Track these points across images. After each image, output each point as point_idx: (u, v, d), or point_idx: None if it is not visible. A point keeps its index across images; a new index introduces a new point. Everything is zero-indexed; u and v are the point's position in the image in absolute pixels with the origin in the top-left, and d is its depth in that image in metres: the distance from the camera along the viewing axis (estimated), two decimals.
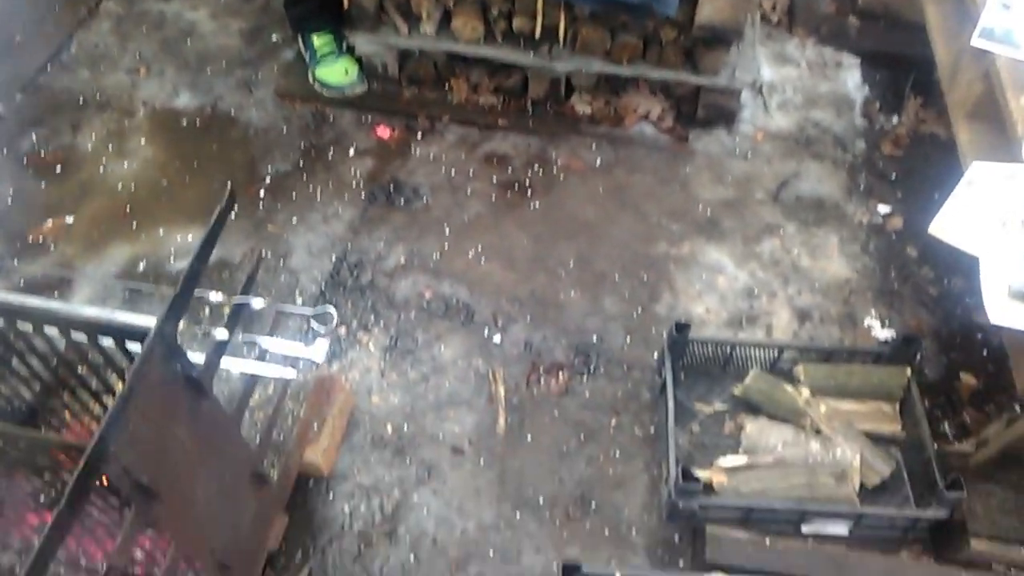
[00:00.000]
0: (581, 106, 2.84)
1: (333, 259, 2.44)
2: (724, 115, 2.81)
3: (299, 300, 2.34)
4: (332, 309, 1.49)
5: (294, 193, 2.61)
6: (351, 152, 2.74)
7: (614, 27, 2.63)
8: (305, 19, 2.82)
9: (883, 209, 2.61)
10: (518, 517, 1.97)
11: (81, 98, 2.87)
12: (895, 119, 2.86)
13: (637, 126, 2.80)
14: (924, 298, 2.39)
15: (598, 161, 2.73)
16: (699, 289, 2.40)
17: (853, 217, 2.60)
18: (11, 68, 2.94)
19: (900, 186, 2.68)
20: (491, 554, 1.91)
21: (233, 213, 2.44)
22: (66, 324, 1.41)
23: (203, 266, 1.28)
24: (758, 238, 2.54)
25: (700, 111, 2.81)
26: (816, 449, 1.95)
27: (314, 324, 2.09)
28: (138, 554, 1.72)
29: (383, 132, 2.79)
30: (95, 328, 1.40)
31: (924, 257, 2.48)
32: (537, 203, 2.61)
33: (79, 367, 1.62)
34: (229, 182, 1.32)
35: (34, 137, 2.75)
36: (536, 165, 2.71)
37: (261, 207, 2.57)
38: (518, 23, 2.67)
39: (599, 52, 2.69)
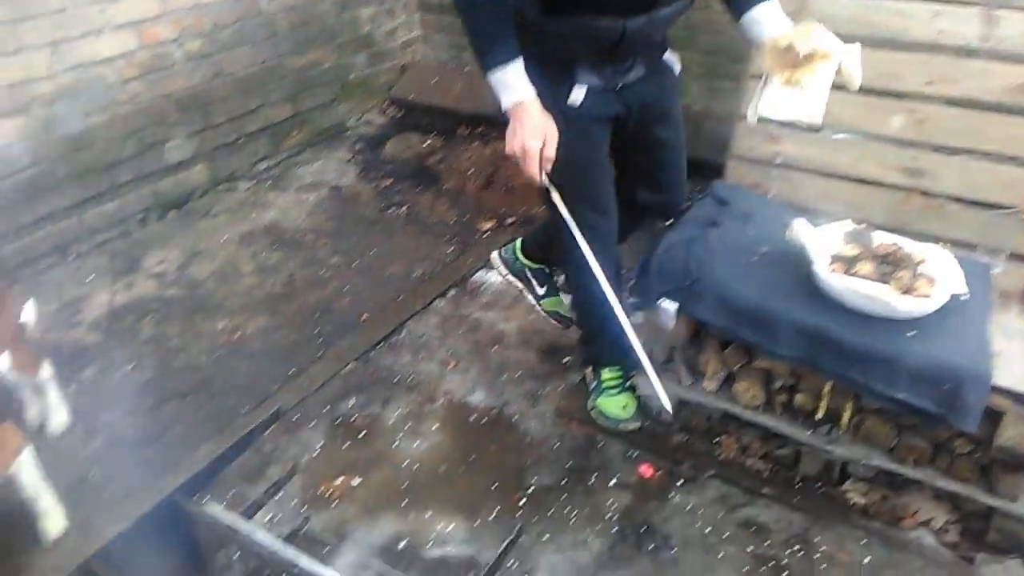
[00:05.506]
0: (855, 495, 2.74)
1: None
2: (1021, 545, 2.55)
3: None
4: None
5: (551, 510, 2.73)
6: (612, 482, 2.85)
7: (903, 425, 2.59)
8: (598, 355, 3.11)
9: None
10: None
11: (397, 377, 3.34)
12: None
13: (916, 531, 2.62)
14: None
15: (867, 559, 2.56)
16: None
17: None
18: (351, 341, 3.53)
19: None
20: None
21: (493, 512, 2.59)
22: None
23: None
24: None
25: (992, 534, 2.57)
26: None
27: None
28: None
29: (646, 470, 2.89)
30: None
31: None
32: None
33: None
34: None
35: (352, 402, 3.22)
36: (797, 546, 2.60)
37: (518, 516, 2.71)
38: (800, 399, 2.74)
39: (882, 446, 2.63)
